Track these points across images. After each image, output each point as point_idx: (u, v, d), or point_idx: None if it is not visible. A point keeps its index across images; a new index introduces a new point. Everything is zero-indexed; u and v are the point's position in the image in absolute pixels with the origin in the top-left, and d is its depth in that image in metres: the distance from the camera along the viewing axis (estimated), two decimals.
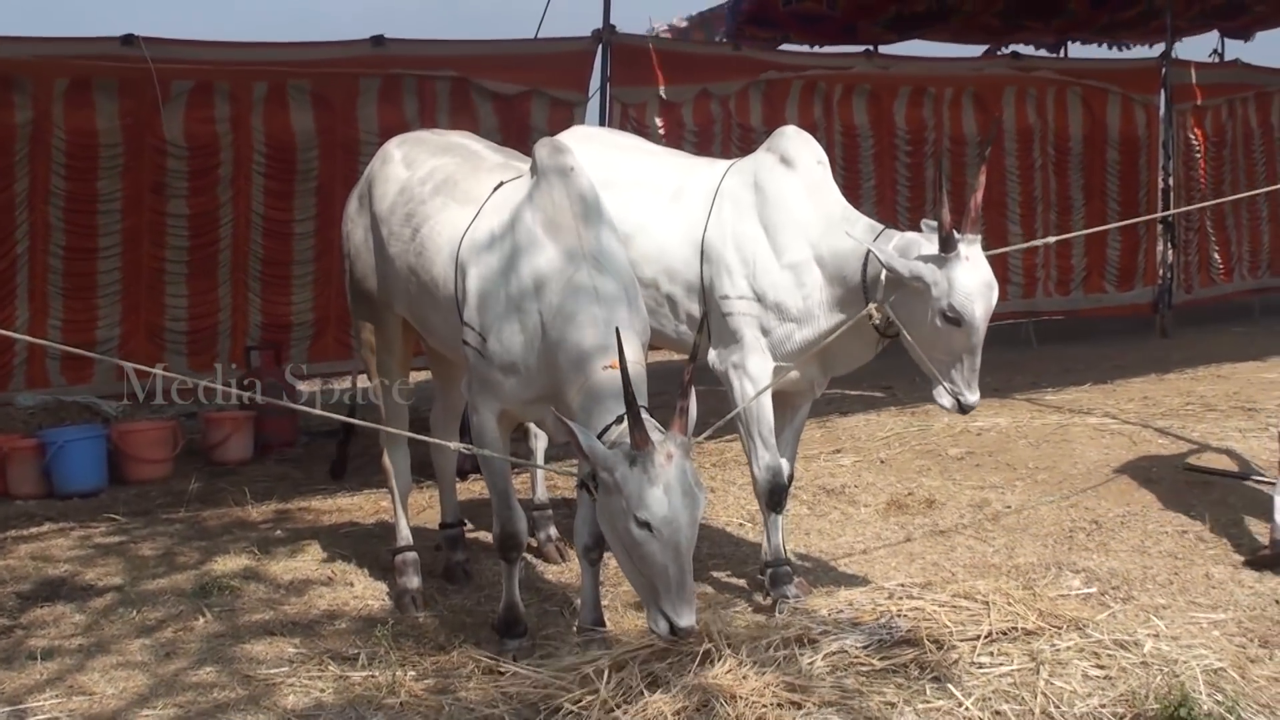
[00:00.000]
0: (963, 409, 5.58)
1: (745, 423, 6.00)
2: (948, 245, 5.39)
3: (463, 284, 5.44)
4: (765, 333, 5.92)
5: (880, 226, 5.78)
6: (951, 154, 14.14)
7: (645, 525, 4.42)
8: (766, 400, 5.98)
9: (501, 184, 5.62)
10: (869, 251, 5.57)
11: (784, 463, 6.17)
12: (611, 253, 5.23)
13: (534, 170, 5.43)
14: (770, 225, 5.94)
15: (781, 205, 5.95)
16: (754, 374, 5.94)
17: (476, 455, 5.55)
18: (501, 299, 5.25)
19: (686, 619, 4.44)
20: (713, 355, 6.09)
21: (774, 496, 6.06)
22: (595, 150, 6.59)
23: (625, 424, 4.56)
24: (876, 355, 5.97)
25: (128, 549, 7.44)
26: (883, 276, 5.51)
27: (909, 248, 5.55)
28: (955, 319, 5.37)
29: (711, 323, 6.02)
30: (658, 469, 4.42)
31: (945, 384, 5.55)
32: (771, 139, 6.21)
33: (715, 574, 6.73)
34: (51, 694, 5.22)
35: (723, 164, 6.39)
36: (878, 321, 5.59)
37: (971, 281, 5.38)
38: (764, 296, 5.89)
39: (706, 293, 6.05)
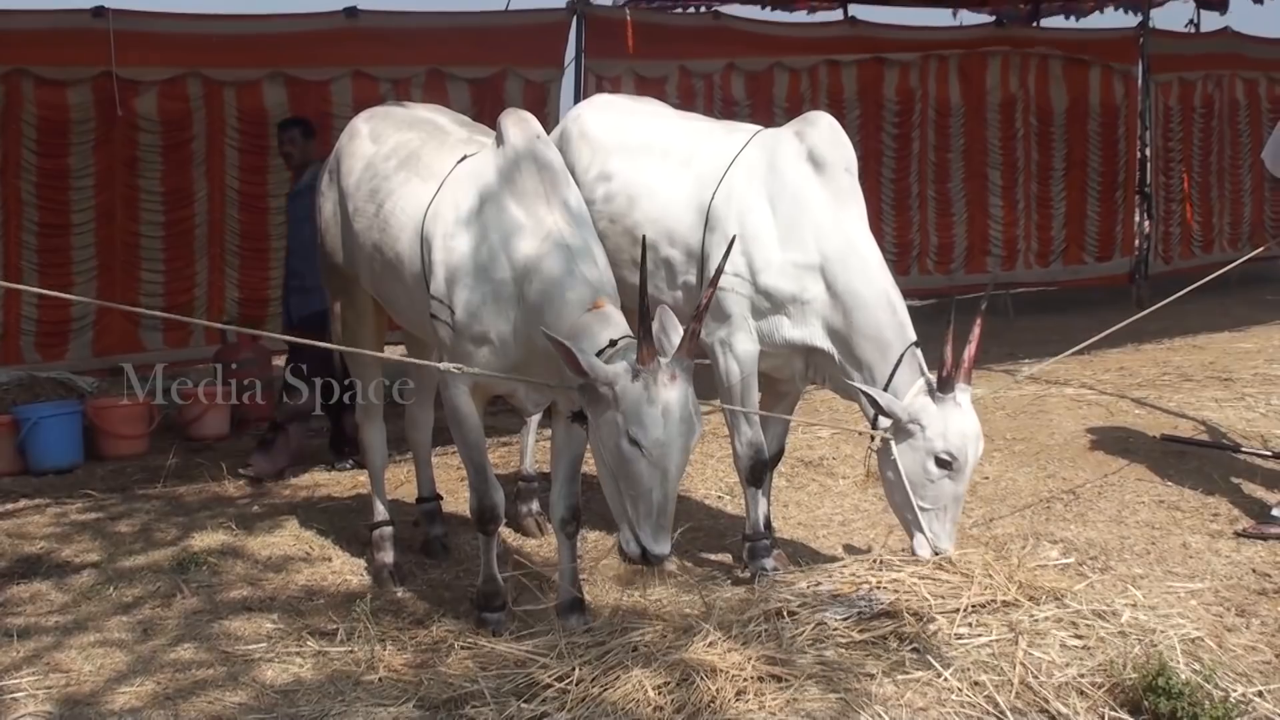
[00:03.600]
0: (936, 554, 5.42)
1: (730, 400, 5.98)
2: (946, 386, 5.36)
3: (429, 258, 5.44)
4: (755, 314, 5.85)
5: (913, 336, 5.62)
6: (936, 124, 14.14)
7: (636, 444, 4.46)
8: (752, 379, 5.95)
9: (465, 157, 5.62)
10: (903, 353, 5.54)
11: (769, 439, 6.18)
12: (579, 224, 5.23)
13: (500, 140, 5.42)
14: (780, 214, 5.81)
15: (797, 201, 5.80)
16: (739, 353, 5.89)
17: (451, 427, 5.57)
18: (471, 270, 5.25)
19: (660, 546, 4.52)
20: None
21: (755, 472, 6.05)
22: (609, 116, 6.62)
23: (618, 349, 4.64)
24: None
25: (105, 526, 7.42)
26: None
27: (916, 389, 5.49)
28: (948, 463, 5.33)
29: (703, 291, 5.95)
30: (659, 388, 4.45)
31: (924, 534, 5.43)
32: (803, 125, 6.03)
33: (694, 547, 6.74)
34: (29, 672, 5.20)
35: (744, 131, 6.23)
36: (876, 449, 5.58)
37: (967, 426, 5.36)
38: (756, 278, 5.80)
39: (704, 262, 5.96)
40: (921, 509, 5.43)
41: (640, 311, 4.47)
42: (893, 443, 5.46)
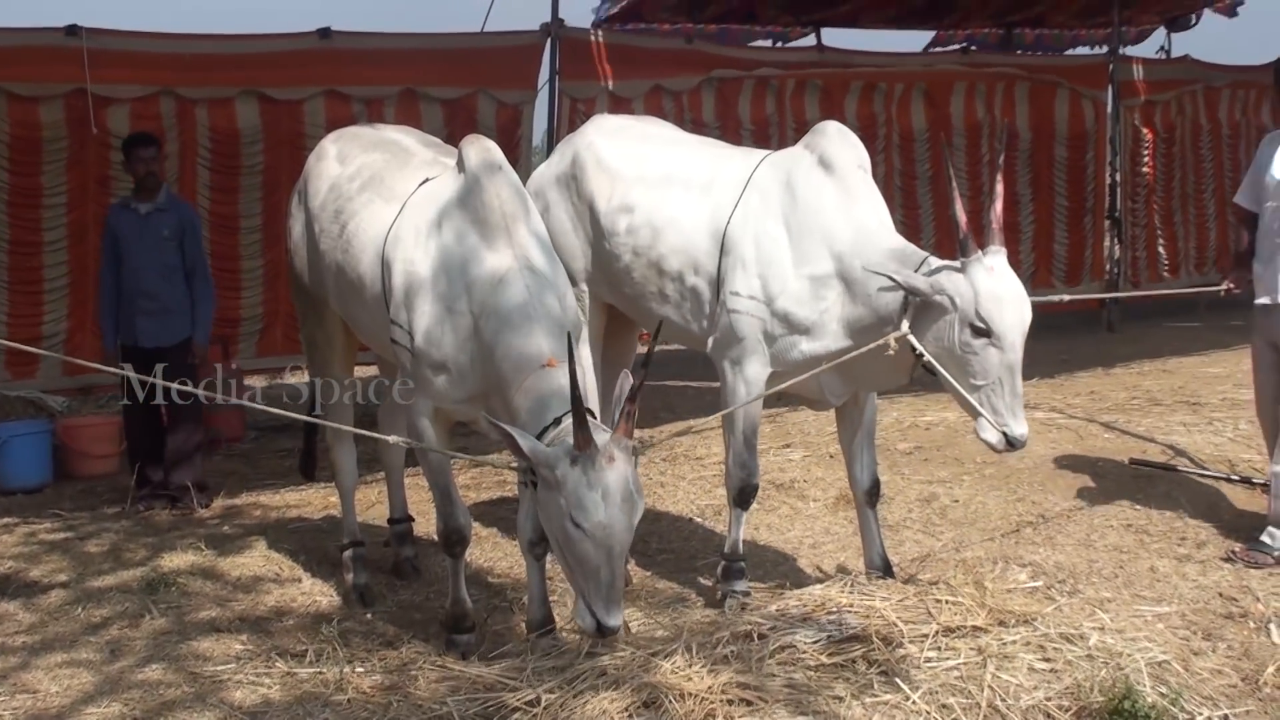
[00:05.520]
0: (1011, 444, 5.22)
1: (731, 420, 5.95)
2: (966, 249, 5.18)
3: (389, 281, 5.43)
4: (768, 338, 5.78)
5: (923, 254, 5.46)
6: (901, 149, 14.20)
7: (580, 526, 4.44)
8: (757, 402, 5.91)
9: (427, 180, 5.61)
10: (920, 264, 5.36)
11: (864, 472, 6.09)
12: (540, 251, 5.21)
13: (461, 167, 5.41)
14: (795, 230, 5.72)
15: (810, 210, 5.71)
16: (750, 376, 5.84)
17: (416, 450, 5.56)
18: (429, 297, 5.23)
19: (613, 619, 4.48)
20: (712, 345, 5.96)
21: (743, 495, 6.03)
22: (624, 144, 6.53)
23: (565, 424, 4.56)
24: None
25: (74, 545, 7.39)
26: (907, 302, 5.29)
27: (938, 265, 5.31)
28: (984, 329, 5.11)
29: (719, 316, 5.91)
30: (598, 472, 4.41)
31: (987, 416, 5.23)
32: (811, 136, 5.96)
33: (665, 569, 6.74)
34: None
35: (757, 154, 6.18)
36: (894, 351, 5.28)
37: (998, 286, 5.13)
38: (772, 301, 5.72)
39: (719, 285, 5.90)
40: (975, 387, 5.22)
41: (573, 398, 4.41)
42: (911, 335, 5.25)
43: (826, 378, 5.77)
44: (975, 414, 5.27)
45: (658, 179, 6.27)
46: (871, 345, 5.35)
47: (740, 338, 5.83)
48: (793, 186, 5.82)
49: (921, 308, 5.27)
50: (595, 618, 4.49)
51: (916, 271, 5.32)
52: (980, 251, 5.20)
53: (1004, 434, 5.21)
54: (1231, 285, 6.99)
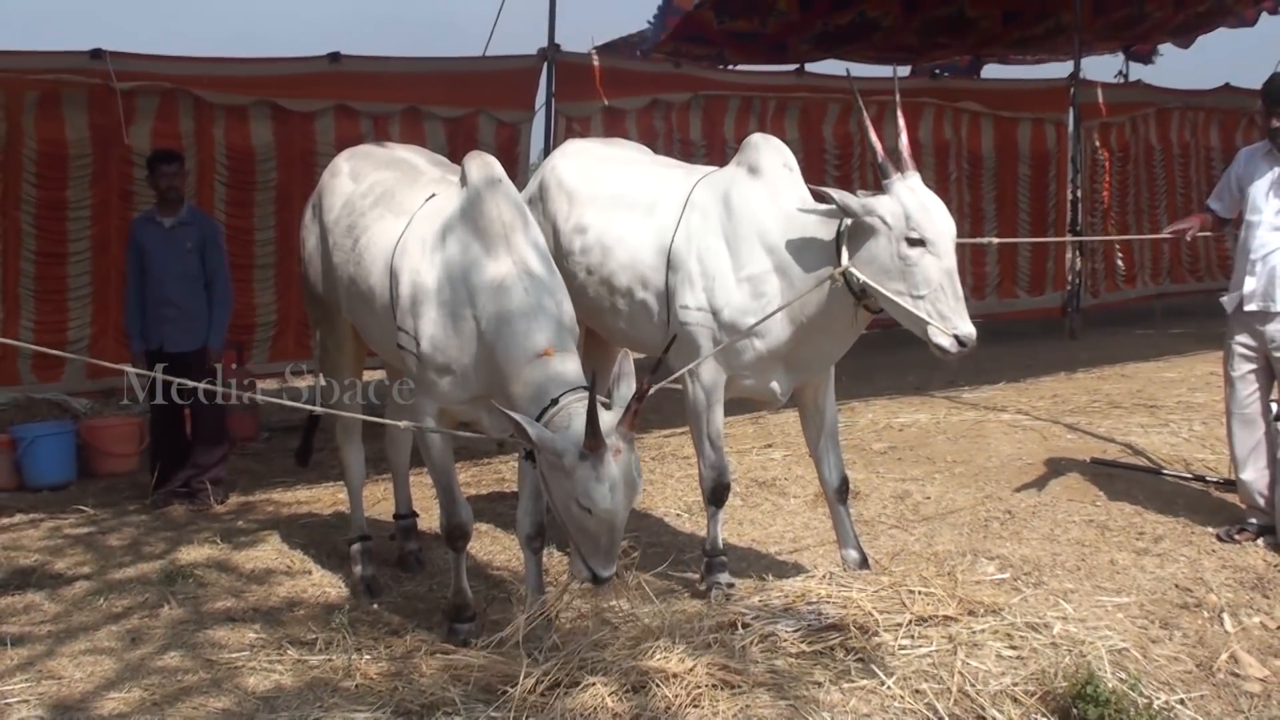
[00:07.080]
0: (962, 343, 5.14)
1: (696, 425, 5.95)
2: (886, 171, 5.26)
3: (396, 291, 5.42)
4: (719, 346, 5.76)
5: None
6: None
7: (586, 510, 4.50)
8: (718, 406, 5.90)
9: (434, 195, 5.60)
10: (839, 225, 5.35)
11: (832, 472, 6.08)
12: (538, 258, 5.20)
13: (463, 182, 5.40)
14: (732, 239, 5.73)
15: (744, 217, 5.72)
16: (705, 382, 5.83)
17: (421, 450, 5.55)
18: (434, 304, 5.23)
19: (607, 570, 4.62)
20: (671, 356, 5.94)
21: (717, 493, 6.02)
22: (583, 165, 6.54)
23: (562, 404, 4.66)
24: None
25: (96, 540, 7.37)
26: (843, 226, 5.32)
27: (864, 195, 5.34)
28: (919, 239, 5.12)
29: (673, 329, 5.88)
30: (606, 466, 4.45)
31: (936, 324, 5.13)
32: (741, 152, 5.98)
33: (653, 563, 6.72)
34: (22, 679, 5.15)
35: (697, 173, 6.18)
36: (839, 284, 5.30)
37: (923, 197, 5.20)
38: (719, 312, 5.72)
39: (669, 300, 5.91)
40: (919, 298, 5.17)
41: (589, 407, 4.41)
42: (852, 268, 5.26)
43: (777, 374, 5.81)
44: (924, 326, 5.20)
45: (608, 199, 6.29)
46: (815, 285, 5.40)
47: (696, 347, 5.82)
48: (728, 200, 5.82)
49: (854, 241, 5.29)
50: (590, 570, 4.60)
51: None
52: (899, 174, 5.28)
53: (955, 336, 5.15)
54: (1176, 230, 7.22)
